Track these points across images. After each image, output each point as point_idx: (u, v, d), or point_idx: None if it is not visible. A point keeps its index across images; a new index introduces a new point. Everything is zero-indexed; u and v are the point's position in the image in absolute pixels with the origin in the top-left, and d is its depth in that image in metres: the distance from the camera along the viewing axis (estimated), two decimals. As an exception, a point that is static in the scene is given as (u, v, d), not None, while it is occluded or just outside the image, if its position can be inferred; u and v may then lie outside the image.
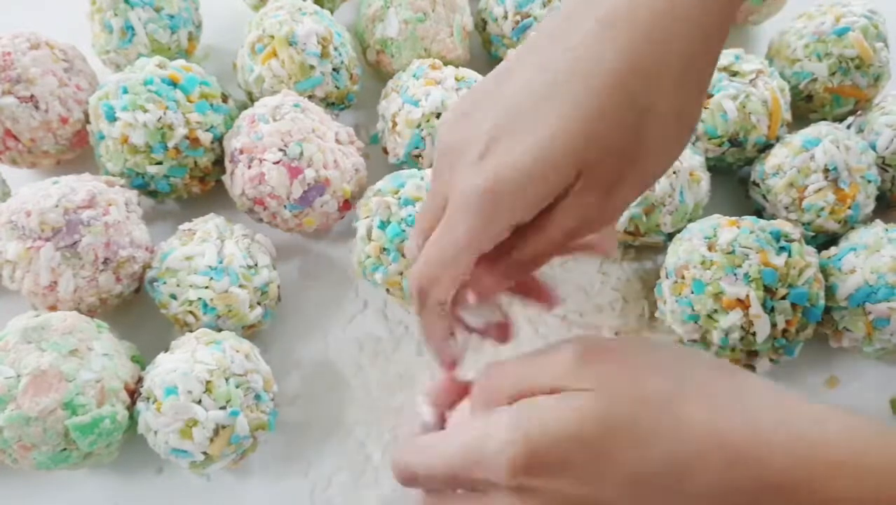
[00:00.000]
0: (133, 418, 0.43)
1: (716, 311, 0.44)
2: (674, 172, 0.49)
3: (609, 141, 0.31)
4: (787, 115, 0.53)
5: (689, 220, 0.50)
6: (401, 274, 0.46)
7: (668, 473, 0.27)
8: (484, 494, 0.30)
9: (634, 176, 0.32)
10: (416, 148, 0.51)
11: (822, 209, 0.48)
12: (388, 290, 0.48)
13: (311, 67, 0.52)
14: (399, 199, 0.46)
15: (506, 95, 0.32)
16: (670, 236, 0.49)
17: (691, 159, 0.50)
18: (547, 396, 0.30)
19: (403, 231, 0.45)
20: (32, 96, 0.50)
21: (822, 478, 0.27)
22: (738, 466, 0.27)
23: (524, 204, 0.32)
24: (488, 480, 0.29)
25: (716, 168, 0.53)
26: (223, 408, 0.41)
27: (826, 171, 0.48)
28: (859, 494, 0.27)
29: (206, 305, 0.45)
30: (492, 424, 0.30)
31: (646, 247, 0.53)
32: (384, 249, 0.46)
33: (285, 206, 0.49)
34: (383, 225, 0.46)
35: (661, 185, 0.48)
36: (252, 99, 0.54)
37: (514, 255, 0.34)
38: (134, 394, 0.44)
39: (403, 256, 0.46)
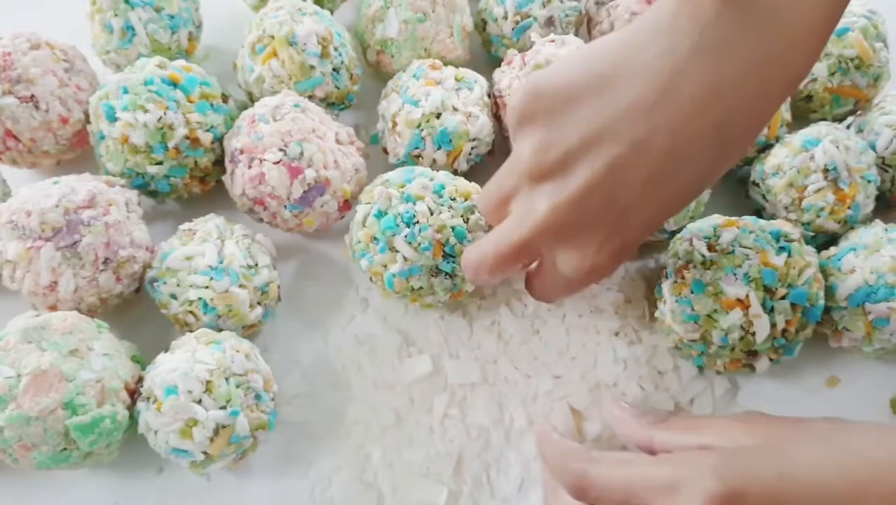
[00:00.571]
0: (133, 418, 0.43)
1: (716, 311, 0.44)
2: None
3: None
4: (787, 115, 0.53)
5: (691, 218, 0.50)
6: (384, 266, 0.46)
7: None
8: None
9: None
10: (416, 148, 0.51)
11: (822, 209, 0.48)
12: (371, 278, 0.48)
13: (311, 67, 0.52)
14: (402, 193, 0.46)
15: (604, 113, 0.35)
16: (671, 235, 0.49)
17: (691, 159, 0.50)
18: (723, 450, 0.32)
19: (397, 225, 0.46)
20: (33, 96, 0.50)
21: None
22: None
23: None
24: None
25: (716, 168, 0.53)
26: (223, 408, 0.41)
27: (826, 171, 0.48)
28: None
29: (206, 305, 0.45)
30: (693, 460, 0.31)
31: (647, 246, 0.53)
32: (374, 238, 0.46)
33: (285, 206, 0.49)
34: (380, 214, 0.46)
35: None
36: (252, 99, 0.54)
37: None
38: (134, 394, 0.44)
39: (391, 249, 0.46)
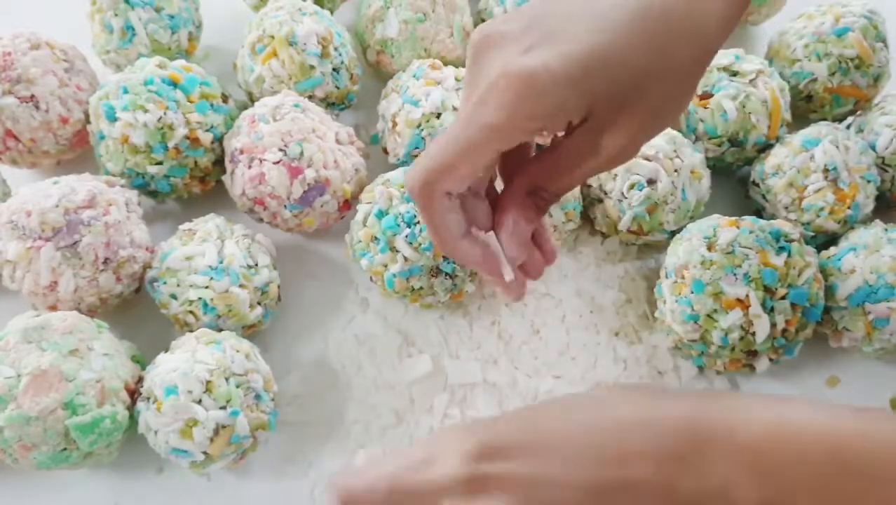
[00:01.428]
0: (133, 418, 0.43)
1: (715, 311, 0.44)
2: (675, 171, 0.49)
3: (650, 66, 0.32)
4: (787, 115, 0.53)
5: (692, 218, 0.50)
6: (385, 266, 0.46)
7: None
8: (430, 501, 0.29)
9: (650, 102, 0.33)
10: (417, 148, 0.51)
11: (822, 209, 0.48)
12: (371, 277, 0.48)
13: (311, 67, 0.52)
14: (403, 193, 0.46)
15: (560, 3, 0.32)
16: (672, 234, 0.49)
17: (692, 157, 0.50)
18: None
19: (398, 225, 0.46)
20: (33, 96, 0.50)
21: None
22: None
23: (562, 101, 0.31)
24: (436, 480, 0.29)
25: (715, 168, 0.53)
26: (223, 408, 0.41)
27: (826, 171, 0.48)
28: None
29: (206, 305, 0.45)
30: (445, 431, 0.30)
31: (648, 245, 0.53)
32: (375, 238, 0.46)
33: (285, 206, 0.49)
34: (381, 214, 0.46)
35: (664, 184, 0.48)
36: (252, 99, 0.54)
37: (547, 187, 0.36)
38: (134, 394, 0.44)
39: (392, 248, 0.46)
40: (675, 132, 0.51)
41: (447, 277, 0.47)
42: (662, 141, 0.49)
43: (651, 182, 0.49)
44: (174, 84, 0.49)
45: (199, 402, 0.41)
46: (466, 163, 0.33)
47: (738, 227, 0.45)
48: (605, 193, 0.50)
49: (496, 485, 0.28)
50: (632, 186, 0.49)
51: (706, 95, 0.52)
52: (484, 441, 0.28)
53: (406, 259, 0.46)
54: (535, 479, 0.28)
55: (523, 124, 0.32)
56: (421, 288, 0.47)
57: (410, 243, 0.45)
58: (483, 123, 0.32)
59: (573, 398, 0.32)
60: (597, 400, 0.30)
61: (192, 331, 0.46)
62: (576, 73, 0.31)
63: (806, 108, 0.56)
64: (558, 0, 0.33)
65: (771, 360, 0.45)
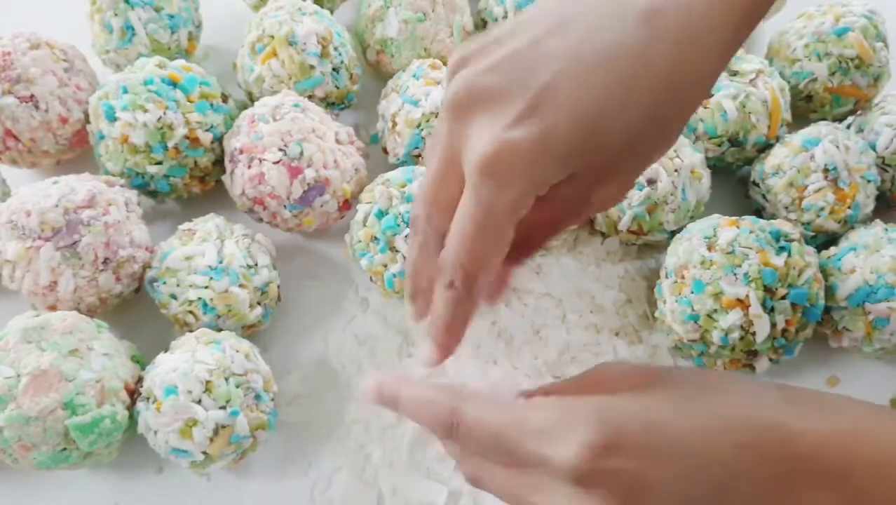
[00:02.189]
0: (133, 418, 0.43)
1: (716, 311, 0.44)
2: (675, 171, 0.49)
3: (641, 134, 0.31)
4: (787, 115, 0.53)
5: (692, 218, 0.50)
6: (385, 266, 0.46)
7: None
8: (530, 471, 0.29)
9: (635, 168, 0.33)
10: (416, 148, 0.51)
11: (822, 209, 0.48)
12: (371, 278, 0.48)
13: (311, 67, 0.52)
14: (403, 193, 0.46)
15: (550, 55, 0.30)
16: (672, 234, 0.49)
17: (692, 157, 0.50)
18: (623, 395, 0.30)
19: (398, 225, 0.46)
20: (32, 96, 0.50)
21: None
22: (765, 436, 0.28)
23: (552, 174, 0.31)
24: (547, 457, 0.28)
25: (715, 168, 0.53)
26: (223, 408, 0.41)
27: (826, 171, 0.48)
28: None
29: (206, 305, 0.45)
30: (569, 406, 0.29)
31: (648, 245, 0.53)
32: (375, 238, 0.46)
33: (285, 206, 0.49)
34: (380, 214, 0.46)
35: (664, 184, 0.48)
36: (252, 99, 0.54)
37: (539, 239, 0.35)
38: (134, 394, 0.44)
39: (391, 248, 0.46)
40: (675, 132, 0.51)
41: (447, 276, 0.47)
42: (662, 141, 0.49)
43: (651, 182, 0.49)
44: (174, 84, 0.49)
45: (199, 402, 0.41)
46: (500, 248, 0.32)
47: (738, 227, 0.45)
48: (605, 193, 0.50)
49: (603, 480, 0.27)
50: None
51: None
52: (610, 435, 0.28)
53: (406, 259, 0.46)
54: (643, 484, 0.27)
55: (525, 200, 0.31)
56: (421, 288, 0.47)
57: (410, 243, 0.45)
58: (503, 211, 0.31)
59: (692, 380, 0.31)
60: (713, 393, 0.30)
61: (191, 331, 0.46)
62: (565, 148, 0.30)
63: (806, 108, 0.55)
64: (548, 42, 0.31)
65: (771, 360, 0.45)
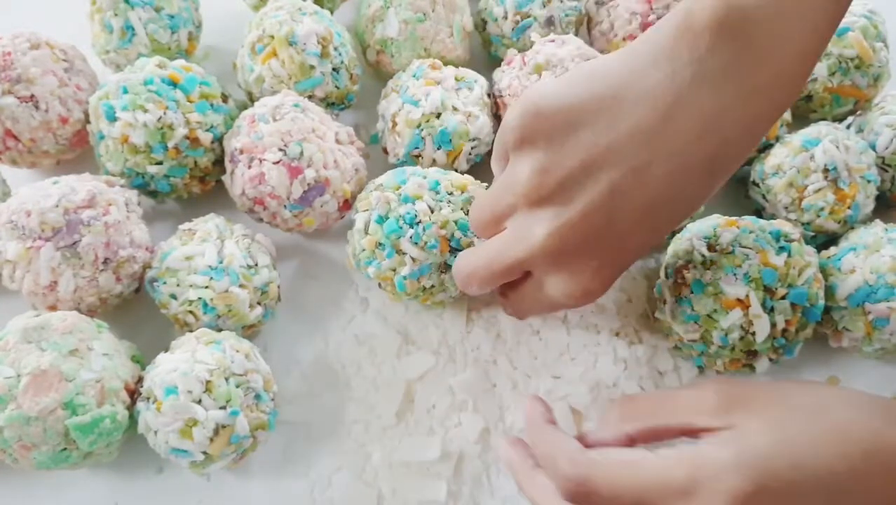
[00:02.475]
0: (133, 418, 0.43)
1: (716, 311, 0.44)
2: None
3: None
4: (787, 115, 0.53)
5: (692, 218, 0.50)
6: (393, 270, 0.46)
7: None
8: None
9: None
10: (416, 148, 0.51)
11: (822, 209, 0.48)
12: (379, 284, 0.48)
13: (311, 67, 0.52)
14: (399, 195, 0.46)
15: (605, 138, 0.36)
16: (673, 234, 0.49)
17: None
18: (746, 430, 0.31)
19: (401, 228, 0.46)
20: (32, 96, 0.50)
21: None
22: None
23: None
24: None
25: (716, 168, 0.53)
26: (223, 408, 0.41)
27: (826, 171, 0.48)
28: None
29: (206, 305, 0.45)
30: (708, 458, 0.30)
31: (646, 247, 0.53)
32: (379, 244, 0.46)
33: (285, 206, 0.49)
34: (381, 220, 0.46)
35: (661, 185, 0.48)
36: (252, 99, 0.54)
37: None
38: (134, 394, 0.44)
39: (398, 252, 0.46)
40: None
41: (456, 271, 0.47)
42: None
43: (651, 182, 0.49)
44: (174, 84, 0.49)
45: (199, 402, 0.41)
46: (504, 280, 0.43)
47: (738, 227, 0.45)
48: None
49: None
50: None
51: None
52: (756, 482, 0.28)
53: (414, 260, 0.46)
54: None
55: None
56: (432, 286, 0.47)
57: (416, 243, 0.45)
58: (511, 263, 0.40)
59: (795, 401, 0.32)
60: (827, 413, 0.31)
61: (191, 331, 0.46)
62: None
63: (806, 108, 0.56)
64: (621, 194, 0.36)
65: (771, 360, 0.45)
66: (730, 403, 0.32)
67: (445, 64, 0.54)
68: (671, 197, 0.36)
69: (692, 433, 0.34)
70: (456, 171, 0.51)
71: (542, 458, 0.37)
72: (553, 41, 0.53)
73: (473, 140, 0.51)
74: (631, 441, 0.37)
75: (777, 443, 0.30)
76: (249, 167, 0.48)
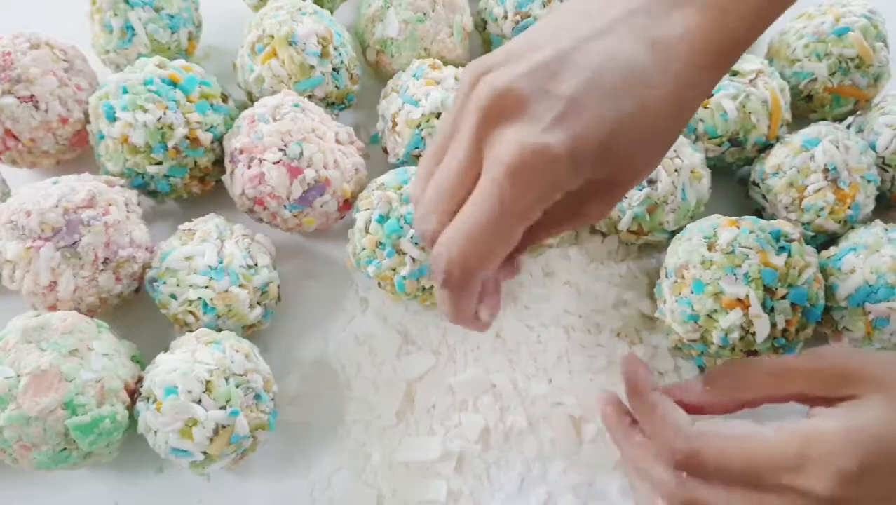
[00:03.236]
0: (133, 418, 0.43)
1: (715, 311, 0.44)
2: (675, 171, 0.49)
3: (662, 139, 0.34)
4: (787, 115, 0.53)
5: (692, 218, 0.50)
6: (393, 270, 0.46)
7: None
8: (774, 496, 0.31)
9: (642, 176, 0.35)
10: (416, 148, 0.51)
11: (822, 209, 0.48)
12: (379, 283, 0.48)
13: (311, 67, 0.52)
14: (401, 195, 0.46)
15: (576, 69, 0.32)
16: (672, 234, 0.49)
17: (692, 157, 0.50)
18: (869, 402, 0.32)
19: (402, 228, 0.46)
20: (32, 96, 0.50)
21: None
22: None
23: (570, 182, 0.32)
24: (803, 488, 0.30)
25: (715, 168, 0.53)
26: (223, 408, 0.41)
27: (826, 171, 0.48)
28: None
29: (206, 305, 0.45)
30: (819, 433, 0.31)
31: (648, 245, 0.53)
32: (380, 244, 0.46)
33: (285, 206, 0.49)
34: (382, 219, 0.46)
35: (664, 184, 0.48)
36: (252, 99, 0.54)
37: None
38: (134, 394, 0.44)
39: (398, 252, 0.46)
40: (675, 132, 0.51)
41: (452, 273, 0.47)
42: (662, 141, 0.49)
43: (651, 182, 0.49)
44: (174, 84, 0.49)
45: (199, 402, 0.41)
46: (505, 248, 0.32)
47: (738, 227, 0.45)
48: (605, 193, 0.50)
49: (860, 500, 0.29)
50: (632, 186, 0.49)
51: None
52: (865, 460, 0.29)
53: (414, 260, 0.46)
54: None
55: (543, 203, 0.32)
56: (432, 287, 0.47)
57: (416, 243, 0.45)
58: (520, 210, 0.31)
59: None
60: None
61: (191, 331, 0.46)
62: (588, 157, 0.31)
63: (806, 108, 0.56)
64: (574, 57, 0.32)
65: (771, 360, 0.45)
66: (848, 374, 0.33)
67: (445, 64, 0.54)
68: (622, 71, 0.32)
69: (806, 401, 0.34)
70: (456, 171, 0.51)
71: (647, 425, 0.37)
72: (553, 41, 0.53)
73: (473, 140, 0.51)
74: (741, 406, 0.37)
75: (892, 423, 0.30)
76: (249, 167, 0.48)
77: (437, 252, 0.32)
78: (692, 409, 0.37)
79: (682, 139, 0.51)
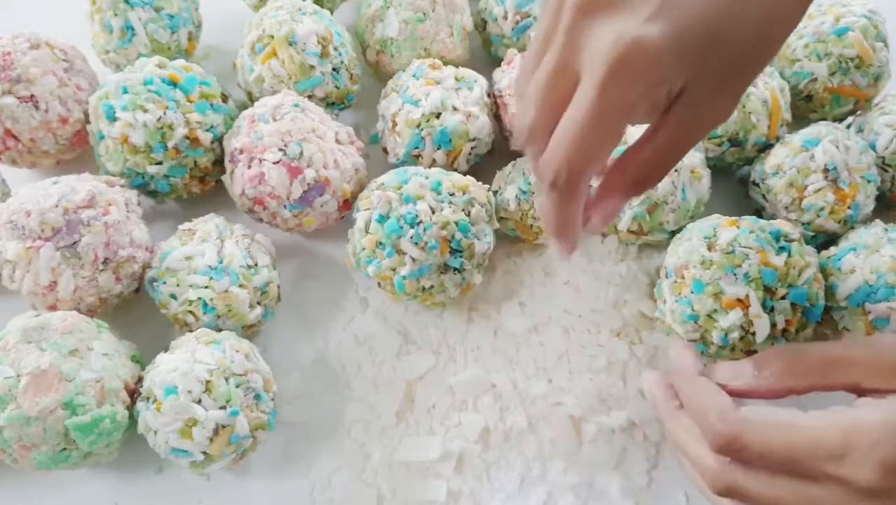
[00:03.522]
0: (133, 418, 0.43)
1: (715, 310, 0.44)
2: (675, 171, 0.49)
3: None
4: (787, 115, 0.53)
5: (692, 218, 0.50)
6: (393, 270, 0.46)
7: None
8: (816, 485, 0.30)
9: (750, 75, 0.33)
10: (416, 148, 0.51)
11: (822, 209, 0.48)
12: (379, 283, 0.48)
13: (311, 67, 0.52)
14: (401, 195, 0.46)
15: None
16: (672, 234, 0.49)
17: (692, 157, 0.50)
18: None
19: (402, 228, 0.46)
20: (32, 96, 0.50)
21: None
22: None
23: (672, 75, 0.31)
24: (845, 477, 0.30)
25: (716, 168, 0.53)
26: (223, 408, 0.41)
27: (826, 171, 0.48)
28: None
29: (206, 305, 0.45)
30: (863, 422, 0.30)
31: (648, 245, 0.53)
32: (380, 244, 0.46)
33: (285, 206, 0.49)
34: (382, 219, 0.46)
35: (664, 184, 0.48)
36: (252, 99, 0.54)
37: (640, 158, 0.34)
38: (134, 394, 0.44)
39: (398, 252, 0.46)
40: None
41: (455, 272, 0.47)
42: (662, 141, 0.49)
43: (651, 182, 0.49)
44: (174, 84, 0.49)
45: (199, 402, 0.41)
46: (611, 146, 0.32)
47: (738, 227, 0.45)
48: (605, 193, 0.50)
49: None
50: (632, 186, 0.48)
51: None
52: None
53: (414, 260, 0.46)
54: None
55: (647, 97, 0.31)
56: (431, 287, 0.47)
57: (416, 243, 0.45)
58: (622, 107, 0.30)
59: None
60: None
61: (191, 331, 0.46)
62: (693, 47, 0.30)
63: (806, 107, 0.56)
64: None
65: (771, 360, 0.45)
66: None
67: (445, 64, 0.54)
68: None
69: (858, 391, 0.34)
70: (456, 171, 0.51)
71: (692, 409, 0.37)
72: (553, 41, 0.53)
73: (473, 140, 0.51)
74: (788, 393, 0.36)
75: None
76: (249, 167, 0.48)
77: (545, 158, 0.32)
78: (738, 393, 0.37)
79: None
